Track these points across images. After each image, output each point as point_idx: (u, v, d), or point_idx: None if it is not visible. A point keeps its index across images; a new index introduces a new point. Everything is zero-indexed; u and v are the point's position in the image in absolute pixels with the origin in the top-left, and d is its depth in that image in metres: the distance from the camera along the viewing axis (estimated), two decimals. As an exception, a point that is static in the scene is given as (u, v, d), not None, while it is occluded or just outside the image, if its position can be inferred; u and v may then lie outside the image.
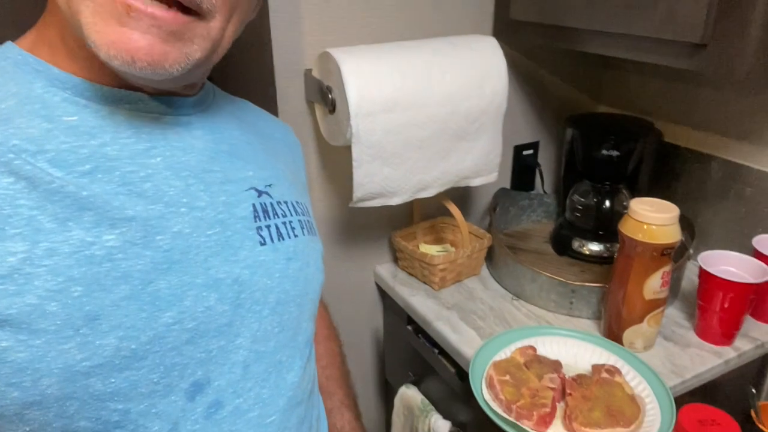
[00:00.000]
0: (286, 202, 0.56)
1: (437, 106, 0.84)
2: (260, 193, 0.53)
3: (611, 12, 0.79)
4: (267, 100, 0.86)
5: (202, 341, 0.46)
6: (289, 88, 0.91)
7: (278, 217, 0.54)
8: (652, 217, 0.78)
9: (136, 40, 0.40)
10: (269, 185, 0.55)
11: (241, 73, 0.85)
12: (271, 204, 0.54)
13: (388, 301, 1.11)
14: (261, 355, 0.50)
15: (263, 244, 0.51)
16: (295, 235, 0.55)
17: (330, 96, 0.83)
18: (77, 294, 0.40)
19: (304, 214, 0.58)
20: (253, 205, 0.52)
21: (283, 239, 0.53)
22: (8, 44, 0.46)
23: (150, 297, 0.43)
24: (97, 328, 0.40)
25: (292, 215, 0.55)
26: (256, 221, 0.51)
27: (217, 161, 0.51)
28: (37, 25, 0.47)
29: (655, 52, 0.76)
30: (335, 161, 1.00)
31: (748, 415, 0.81)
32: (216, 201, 0.49)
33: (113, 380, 0.41)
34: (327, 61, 0.83)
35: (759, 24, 0.64)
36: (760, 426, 0.79)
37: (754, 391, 0.82)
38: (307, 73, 0.90)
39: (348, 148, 0.83)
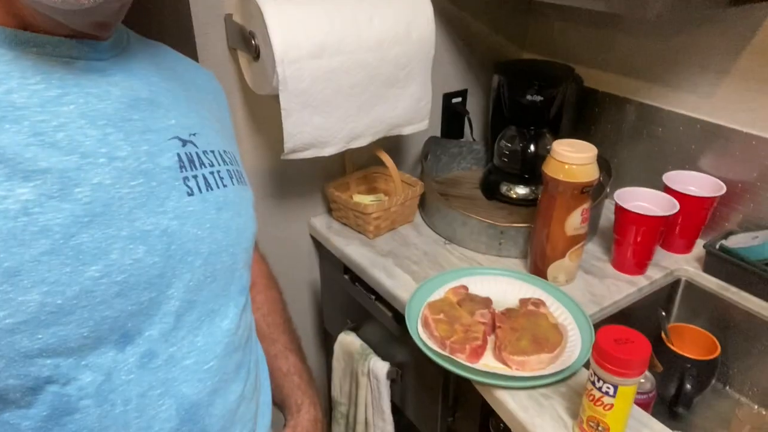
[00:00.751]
0: (213, 152, 0.54)
1: (366, 51, 0.83)
2: (184, 143, 0.52)
3: (532, -45, 0.80)
4: (186, 49, 0.82)
5: (132, 293, 0.45)
6: (208, 34, 0.87)
7: (205, 166, 0.52)
8: (572, 157, 0.82)
9: None
10: (193, 134, 0.53)
11: (155, 19, 0.80)
12: (197, 153, 0.52)
13: (323, 251, 1.11)
14: (193, 305, 0.50)
15: (191, 194, 0.50)
16: (224, 185, 0.54)
17: (253, 42, 0.80)
18: None
19: (232, 163, 0.57)
20: (178, 155, 0.50)
21: (211, 189, 0.52)
22: None
23: (73, 251, 0.41)
24: (19, 284, 0.39)
25: (219, 165, 0.54)
26: (182, 171, 0.50)
27: (136, 109, 0.48)
28: None
29: (574, -5, 0.78)
30: (263, 111, 0.97)
31: (659, 336, 0.89)
32: (138, 151, 0.47)
33: (40, 336, 0.41)
34: (248, 4, 0.79)
35: (668, -34, 0.67)
36: (669, 345, 0.87)
37: (664, 314, 0.90)
38: (228, 17, 0.86)
39: (275, 98, 0.81)
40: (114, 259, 0.44)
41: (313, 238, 1.14)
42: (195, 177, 0.51)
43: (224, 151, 0.57)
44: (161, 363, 0.48)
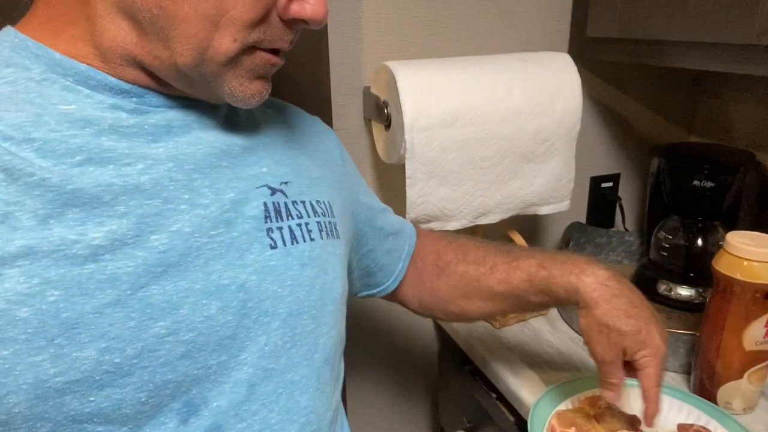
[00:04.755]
0: (303, 202, 0.50)
1: (502, 122, 0.78)
2: (274, 191, 0.48)
3: (701, 19, 0.71)
4: (322, 118, 0.84)
5: (200, 356, 0.41)
6: (347, 105, 0.88)
7: (293, 218, 0.48)
8: (753, 252, 0.66)
9: (267, 86, 0.46)
10: (285, 183, 0.50)
11: (296, 89, 0.83)
12: (285, 204, 0.49)
13: (445, 337, 1.02)
14: (269, 373, 0.45)
15: (274, 247, 0.46)
16: (312, 239, 0.49)
17: (386, 111, 0.79)
18: (53, 299, 0.36)
19: (325, 215, 0.52)
20: (265, 204, 0.47)
21: (297, 243, 0.48)
22: (7, 28, 0.43)
23: (140, 304, 0.38)
24: (75, 339, 0.36)
25: (309, 216, 0.50)
26: (266, 222, 0.46)
27: (226, 155, 0.46)
28: (40, 13, 0.42)
29: (755, 62, 0.67)
30: (393, 183, 0.95)
31: None
32: (222, 198, 0.44)
33: (92, 399, 0.37)
34: (385, 74, 0.79)
35: None
36: None
37: None
38: (366, 90, 0.87)
39: (403, 168, 0.79)
40: (184, 314, 0.40)
41: (435, 322, 1.06)
42: (280, 229, 0.47)
43: (317, 201, 0.52)
44: None
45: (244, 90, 0.43)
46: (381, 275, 0.70)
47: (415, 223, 0.80)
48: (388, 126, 0.80)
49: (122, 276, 0.38)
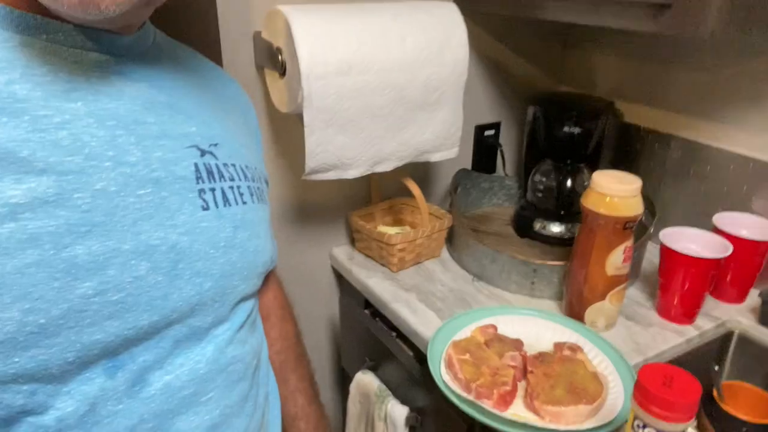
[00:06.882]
0: (234, 165, 0.50)
1: (395, 71, 0.79)
2: (203, 153, 0.47)
3: (574, -24, 0.76)
4: (212, 64, 0.80)
5: (129, 316, 0.40)
6: (236, 52, 0.85)
7: (225, 180, 0.48)
8: (614, 189, 0.76)
9: None
10: (214, 144, 0.48)
11: (181, 35, 0.78)
12: (216, 165, 0.48)
13: (344, 284, 1.06)
14: (196, 330, 0.45)
15: (206, 208, 0.45)
16: (244, 202, 0.49)
17: (280, 58, 0.78)
18: None
19: (254, 180, 0.52)
20: (195, 165, 0.46)
21: (229, 205, 0.47)
22: None
23: (64, 264, 0.37)
24: None
25: (240, 180, 0.50)
26: (198, 183, 0.45)
27: (152, 112, 0.44)
28: None
29: (617, 15, 0.74)
30: (288, 133, 0.94)
31: (710, 395, 0.79)
32: (149, 157, 0.42)
33: (17, 360, 0.36)
34: (277, 19, 0.77)
35: (725, -18, 0.62)
36: (722, 405, 0.78)
37: (717, 368, 0.81)
38: (257, 35, 0.84)
39: (300, 118, 0.78)
40: (111, 275, 0.39)
41: (334, 270, 1.09)
42: (212, 190, 0.46)
43: (246, 166, 0.52)
44: (155, 392, 0.43)
45: None
46: None
47: (315, 172, 0.81)
48: (282, 74, 0.79)
49: (44, 235, 0.36)
